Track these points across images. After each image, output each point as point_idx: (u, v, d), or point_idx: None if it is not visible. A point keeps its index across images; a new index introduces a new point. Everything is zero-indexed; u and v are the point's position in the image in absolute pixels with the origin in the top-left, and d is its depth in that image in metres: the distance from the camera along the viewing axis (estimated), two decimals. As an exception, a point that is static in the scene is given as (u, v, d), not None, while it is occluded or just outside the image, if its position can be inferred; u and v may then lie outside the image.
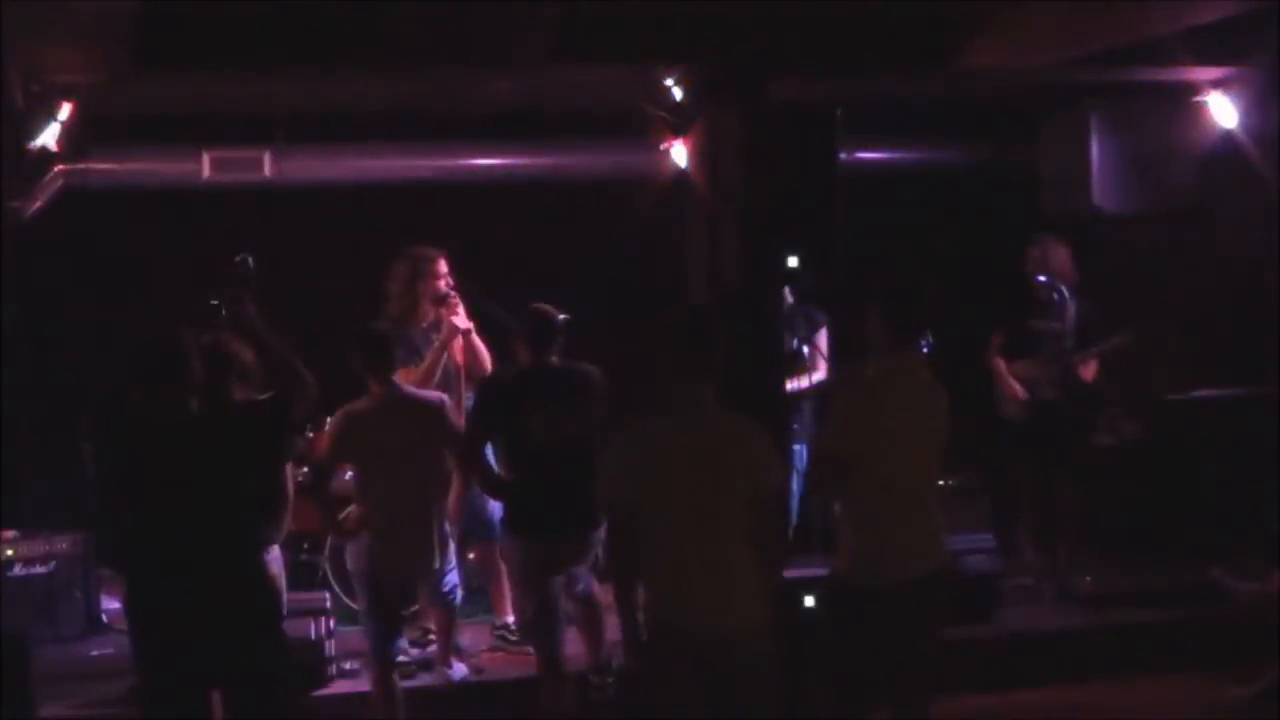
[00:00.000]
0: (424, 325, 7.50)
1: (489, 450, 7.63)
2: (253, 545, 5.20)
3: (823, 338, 8.05)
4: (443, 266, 7.48)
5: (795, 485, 7.75)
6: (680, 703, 4.77)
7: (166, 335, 5.07)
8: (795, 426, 7.80)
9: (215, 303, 5.44)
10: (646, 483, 4.79)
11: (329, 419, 6.50)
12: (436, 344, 7.34)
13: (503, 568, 7.66)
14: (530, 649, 6.64)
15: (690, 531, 4.76)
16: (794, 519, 7.90)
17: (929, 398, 5.43)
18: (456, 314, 7.40)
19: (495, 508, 7.65)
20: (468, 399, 7.61)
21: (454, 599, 6.73)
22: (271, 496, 5.95)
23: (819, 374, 7.99)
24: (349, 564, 6.52)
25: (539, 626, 6.34)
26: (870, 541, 5.33)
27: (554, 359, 6.48)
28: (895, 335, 5.37)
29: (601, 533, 6.05)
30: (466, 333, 7.47)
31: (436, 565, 6.48)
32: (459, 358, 7.50)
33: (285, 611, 5.66)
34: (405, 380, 6.87)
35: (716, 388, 4.88)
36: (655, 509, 4.78)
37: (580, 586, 6.55)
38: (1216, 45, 7.93)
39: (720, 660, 4.74)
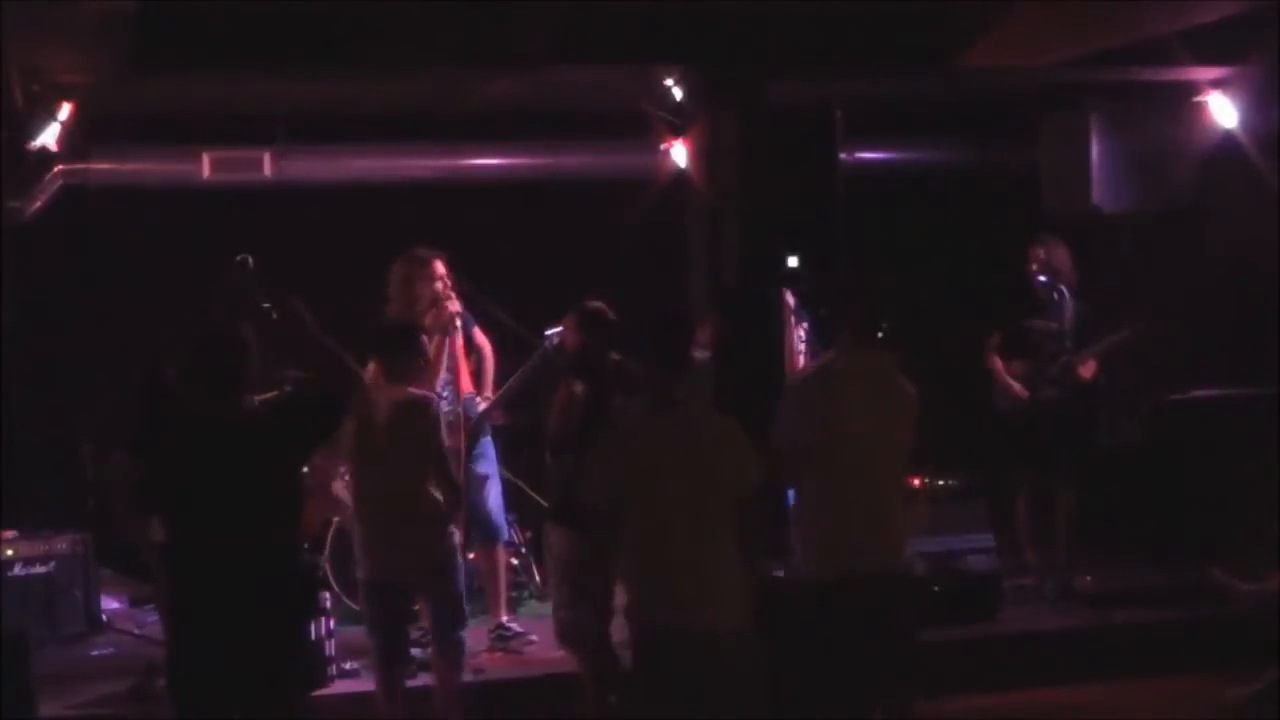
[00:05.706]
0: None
1: (492, 449, 7.69)
2: (300, 536, 5.20)
3: (800, 331, 7.98)
4: (440, 268, 7.48)
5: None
6: (663, 700, 4.79)
7: (230, 331, 5.06)
8: None
9: (266, 305, 5.45)
10: (630, 482, 4.82)
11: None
12: (435, 341, 7.34)
13: (501, 570, 7.74)
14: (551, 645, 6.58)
15: (673, 529, 4.78)
16: None
17: (891, 397, 5.34)
18: (449, 308, 7.41)
19: (496, 509, 7.65)
20: (470, 397, 7.62)
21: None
22: None
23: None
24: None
25: (571, 625, 6.25)
26: (820, 536, 5.28)
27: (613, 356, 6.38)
28: (853, 332, 5.35)
29: None
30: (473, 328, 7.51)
31: (434, 564, 6.45)
32: (457, 350, 7.54)
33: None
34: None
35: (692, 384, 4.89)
36: (638, 508, 4.81)
37: None
38: (1216, 45, 7.94)
39: (703, 657, 4.75)
